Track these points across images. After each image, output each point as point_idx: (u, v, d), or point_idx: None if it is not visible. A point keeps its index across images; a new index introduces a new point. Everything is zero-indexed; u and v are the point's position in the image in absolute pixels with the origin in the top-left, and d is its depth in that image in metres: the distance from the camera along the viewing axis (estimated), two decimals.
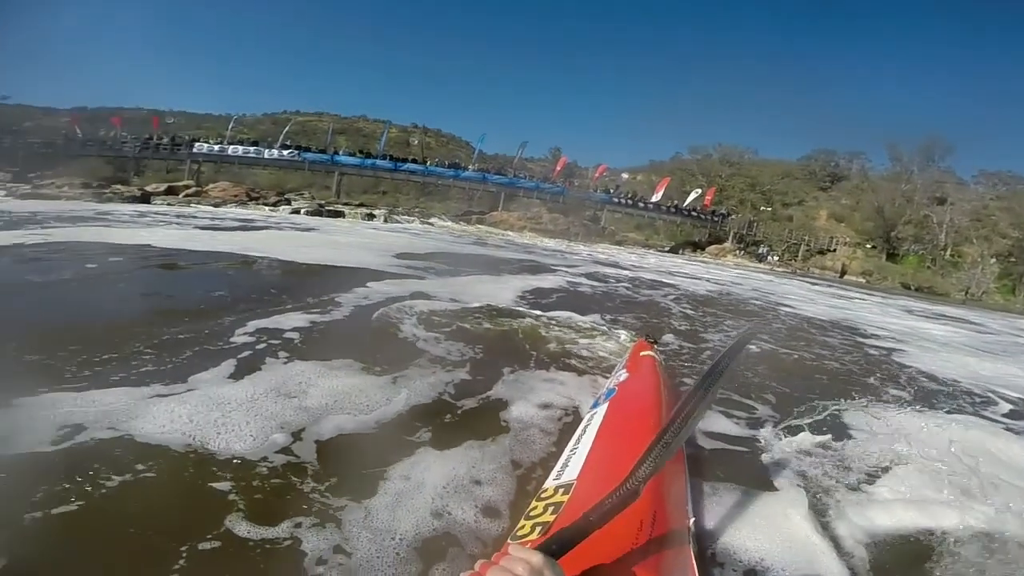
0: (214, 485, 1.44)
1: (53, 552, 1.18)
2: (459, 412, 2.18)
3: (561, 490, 1.23)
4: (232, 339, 2.65)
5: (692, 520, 1.27)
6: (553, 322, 4.00)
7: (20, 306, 3.13)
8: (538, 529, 1.08)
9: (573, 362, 3.06)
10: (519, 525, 1.14)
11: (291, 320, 3.10)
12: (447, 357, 2.82)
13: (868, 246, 32.42)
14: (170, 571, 1.13)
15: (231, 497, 1.40)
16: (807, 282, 18.39)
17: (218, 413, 1.81)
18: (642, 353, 2.48)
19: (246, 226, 10.80)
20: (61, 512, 1.28)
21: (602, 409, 1.76)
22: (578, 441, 1.55)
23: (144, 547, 1.21)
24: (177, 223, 9.98)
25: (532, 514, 1.17)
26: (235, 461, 1.57)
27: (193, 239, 7.11)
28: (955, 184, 34.14)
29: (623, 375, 2.19)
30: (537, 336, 3.54)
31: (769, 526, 1.58)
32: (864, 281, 27.30)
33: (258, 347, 2.57)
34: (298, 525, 1.32)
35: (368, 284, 4.55)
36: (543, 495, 1.26)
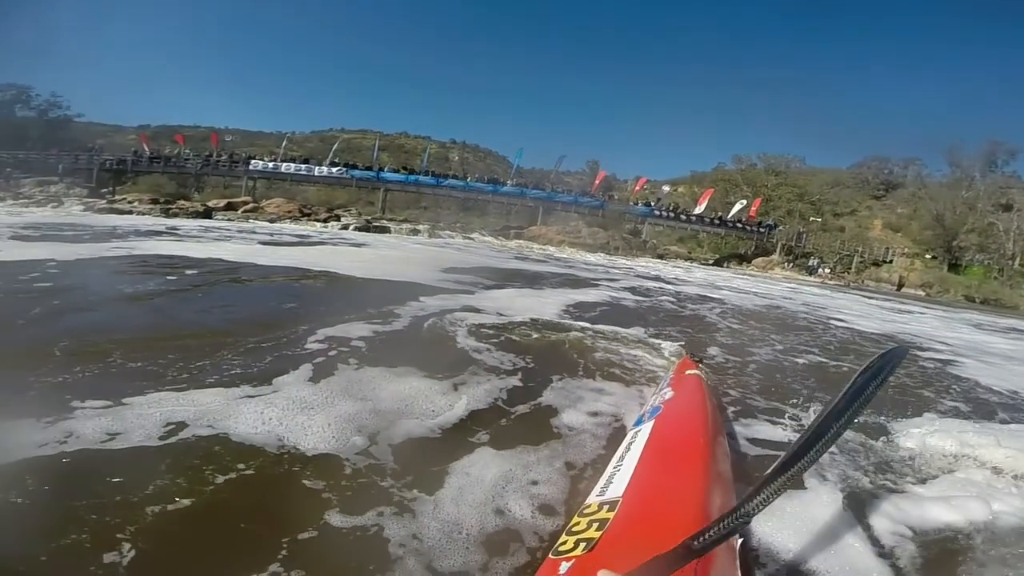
0: (306, 482, 1.62)
1: (173, 542, 1.34)
2: (513, 417, 2.34)
3: (606, 506, 1.23)
4: (306, 346, 2.92)
5: (740, 540, 1.26)
6: (599, 335, 4.13)
7: (118, 315, 3.50)
8: (582, 545, 1.07)
9: (618, 372, 3.18)
10: (561, 540, 1.13)
11: (356, 330, 3.35)
12: (500, 366, 2.99)
13: (928, 256, 30.79)
14: (277, 558, 1.27)
15: (325, 495, 1.56)
16: (862, 296, 17.67)
17: (303, 416, 2.02)
18: (688, 371, 2.47)
19: (303, 241, 11.43)
20: (176, 504, 1.45)
21: (647, 427, 1.75)
22: (622, 458, 1.54)
23: (253, 538, 1.37)
24: (241, 238, 10.68)
25: (575, 529, 1.17)
26: (323, 460, 1.75)
27: (258, 254, 7.63)
28: (1022, 189, 32.10)
29: (668, 393, 2.18)
30: (583, 347, 3.67)
31: (816, 538, 1.62)
32: (923, 294, 25.93)
33: (330, 354, 2.82)
34: (381, 514, 1.48)
35: (421, 297, 4.80)
36: (586, 511, 1.25)
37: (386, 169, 29.99)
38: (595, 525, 1.14)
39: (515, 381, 2.76)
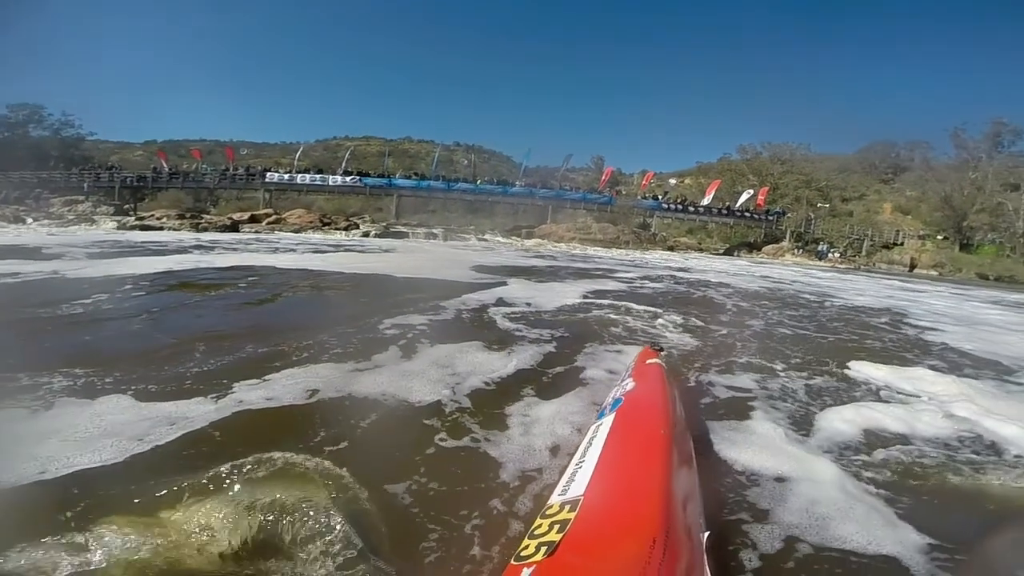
0: (421, 420, 2.30)
1: (346, 464, 1.74)
2: (552, 374, 3.07)
3: (567, 507, 1.19)
4: (385, 332, 3.67)
5: (707, 533, 1.23)
6: (618, 313, 4.93)
7: (225, 318, 4.22)
8: (543, 549, 1.04)
9: (636, 340, 3.91)
10: (523, 545, 1.09)
11: (416, 319, 4.10)
12: (539, 339, 3.76)
13: (939, 237, 30.96)
14: (419, 471, 1.81)
15: (436, 426, 2.25)
16: (872, 277, 18.05)
17: (404, 380, 2.72)
18: (648, 361, 2.51)
19: (338, 249, 12.38)
20: (338, 439, 2.04)
21: (608, 420, 1.73)
22: (584, 454, 1.51)
23: (398, 457, 1.94)
24: (284, 248, 11.57)
25: (536, 533, 1.13)
26: (427, 407, 2.43)
27: (307, 261, 8.48)
28: None
29: (629, 384, 2.17)
30: (606, 323, 4.46)
31: (789, 523, 1.74)
32: (936, 274, 26.13)
33: (408, 336, 3.58)
34: (475, 440, 2.16)
35: (460, 291, 5.59)
36: (548, 512, 1.22)
37: (397, 175, 30.72)
38: (556, 527, 1.12)
39: (551, 348, 3.53)
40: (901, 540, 1.66)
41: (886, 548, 1.61)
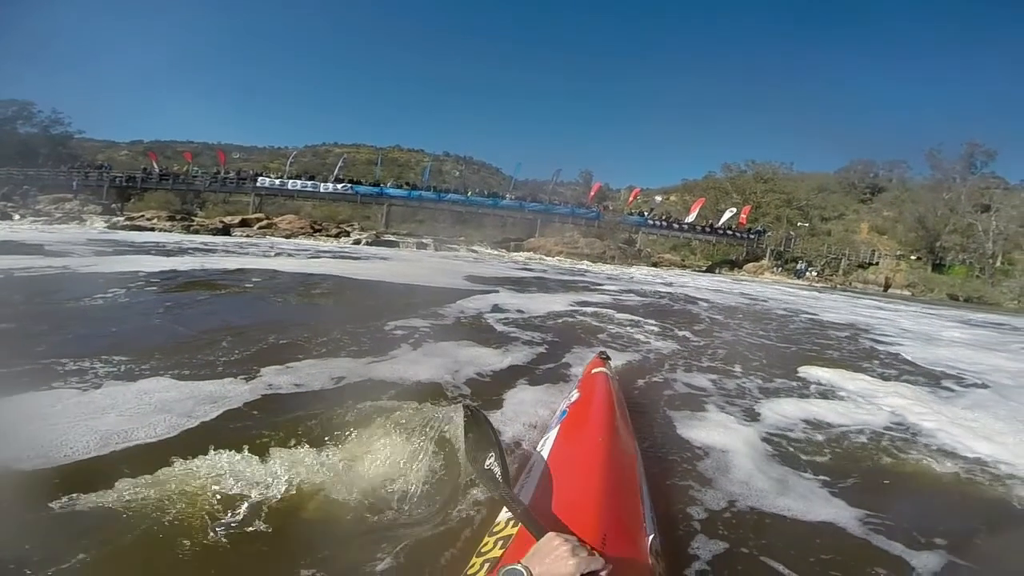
0: (430, 401, 2.64)
1: (378, 425, 2.34)
2: (541, 369, 3.51)
3: (511, 523, 1.19)
4: (393, 332, 4.08)
5: (651, 536, 1.21)
6: (603, 320, 5.42)
7: (239, 313, 4.56)
8: (486, 567, 1.06)
9: (618, 344, 4.36)
10: (470, 563, 1.11)
11: (420, 322, 4.51)
12: (531, 340, 4.21)
13: (913, 258, 32.01)
14: (428, 435, 2.17)
15: (441, 405, 2.61)
16: (846, 296, 18.71)
17: (417, 367, 3.15)
18: (594, 371, 2.56)
19: (334, 255, 12.78)
20: (369, 408, 2.42)
21: (553, 433, 1.75)
22: (530, 470, 1.52)
23: (416, 421, 2.31)
24: (284, 253, 11.97)
25: (483, 551, 1.14)
26: (431, 387, 2.86)
27: (309, 267, 8.87)
28: (1003, 190, 33.33)
29: (575, 396, 2.20)
30: (590, 328, 4.93)
31: (740, 524, 1.82)
32: (909, 293, 27.03)
33: (415, 335, 3.99)
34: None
35: (456, 298, 6.05)
36: (495, 529, 1.23)
37: (388, 184, 31.00)
38: (500, 544, 1.12)
39: (542, 349, 3.97)
40: (836, 512, 1.96)
41: (822, 516, 1.92)
